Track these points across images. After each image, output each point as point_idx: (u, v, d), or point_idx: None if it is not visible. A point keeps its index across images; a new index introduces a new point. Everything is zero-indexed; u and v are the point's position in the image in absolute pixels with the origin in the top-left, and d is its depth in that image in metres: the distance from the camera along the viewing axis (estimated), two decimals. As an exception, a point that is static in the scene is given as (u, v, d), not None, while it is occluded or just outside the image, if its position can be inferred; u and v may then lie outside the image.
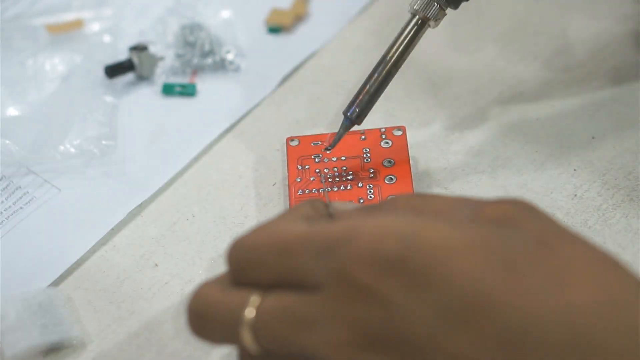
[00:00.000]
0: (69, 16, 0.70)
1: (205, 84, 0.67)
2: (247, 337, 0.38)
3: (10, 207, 0.60)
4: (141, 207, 0.59)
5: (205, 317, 0.40)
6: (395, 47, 0.55)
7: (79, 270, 0.56)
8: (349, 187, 0.57)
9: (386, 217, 0.38)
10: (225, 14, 0.72)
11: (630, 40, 0.65)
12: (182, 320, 0.52)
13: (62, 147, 0.62)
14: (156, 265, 0.56)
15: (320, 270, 0.37)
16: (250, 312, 0.38)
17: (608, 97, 0.61)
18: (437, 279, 0.36)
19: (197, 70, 0.68)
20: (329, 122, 0.62)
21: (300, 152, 0.59)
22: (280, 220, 0.41)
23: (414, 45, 0.55)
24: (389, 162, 0.58)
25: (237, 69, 0.68)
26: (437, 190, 0.58)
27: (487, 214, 0.39)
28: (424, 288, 0.36)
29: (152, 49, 0.68)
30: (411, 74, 0.65)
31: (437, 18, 0.55)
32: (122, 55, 0.67)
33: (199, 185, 0.60)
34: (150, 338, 0.52)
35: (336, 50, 0.63)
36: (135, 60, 0.66)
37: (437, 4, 0.54)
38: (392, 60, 0.55)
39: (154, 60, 0.67)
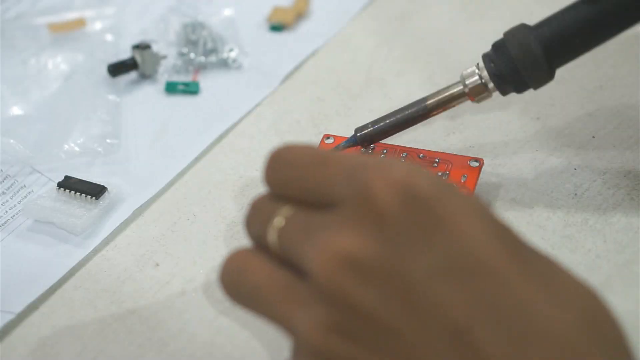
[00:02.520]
0: (71, 15, 0.70)
1: (208, 82, 0.68)
2: (272, 237, 0.40)
3: (15, 205, 0.60)
4: (142, 207, 0.59)
5: (250, 218, 0.42)
6: (435, 99, 0.55)
7: (81, 270, 0.56)
8: None
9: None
10: (227, 12, 0.72)
11: (631, 39, 0.64)
12: (183, 320, 0.53)
13: (66, 146, 0.62)
14: (157, 265, 0.56)
15: (347, 186, 0.38)
16: (279, 221, 0.40)
17: (608, 96, 0.61)
18: (453, 231, 0.36)
19: (199, 69, 0.68)
20: (328, 122, 0.63)
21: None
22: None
23: (450, 107, 0.55)
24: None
25: (239, 67, 0.68)
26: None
27: None
28: (438, 233, 0.36)
29: (155, 48, 0.68)
30: (414, 71, 0.65)
31: (480, 100, 0.55)
32: (124, 54, 0.68)
33: (199, 185, 0.60)
34: (152, 337, 0.52)
35: (337, 49, 0.63)
36: (138, 58, 0.67)
37: (486, 91, 0.54)
38: (428, 108, 0.55)
39: (157, 58, 0.67)
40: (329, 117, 0.63)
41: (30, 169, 0.62)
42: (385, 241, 0.36)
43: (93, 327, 0.53)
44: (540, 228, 0.55)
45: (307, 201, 0.40)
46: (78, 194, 0.59)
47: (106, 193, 0.59)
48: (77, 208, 0.58)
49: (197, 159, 0.62)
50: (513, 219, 0.56)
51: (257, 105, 0.65)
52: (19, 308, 0.54)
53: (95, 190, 0.59)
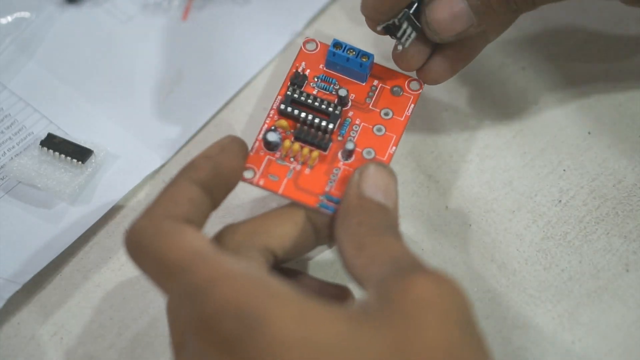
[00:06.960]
0: None
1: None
2: None
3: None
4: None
5: None
6: None
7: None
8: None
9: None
10: None
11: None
12: (145, 301, 0.53)
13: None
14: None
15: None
16: None
17: (612, 88, 0.58)
18: None
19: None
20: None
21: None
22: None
23: None
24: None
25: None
26: (420, 177, 0.56)
27: (398, 294, 0.39)
28: None
29: None
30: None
31: None
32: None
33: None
34: (114, 317, 0.52)
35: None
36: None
37: None
38: None
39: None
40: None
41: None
42: None
43: (55, 298, 0.53)
44: (517, 237, 0.54)
45: None
46: (63, 155, 0.55)
47: (92, 156, 0.56)
48: (63, 172, 0.56)
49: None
50: (492, 224, 0.54)
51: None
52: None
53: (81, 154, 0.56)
